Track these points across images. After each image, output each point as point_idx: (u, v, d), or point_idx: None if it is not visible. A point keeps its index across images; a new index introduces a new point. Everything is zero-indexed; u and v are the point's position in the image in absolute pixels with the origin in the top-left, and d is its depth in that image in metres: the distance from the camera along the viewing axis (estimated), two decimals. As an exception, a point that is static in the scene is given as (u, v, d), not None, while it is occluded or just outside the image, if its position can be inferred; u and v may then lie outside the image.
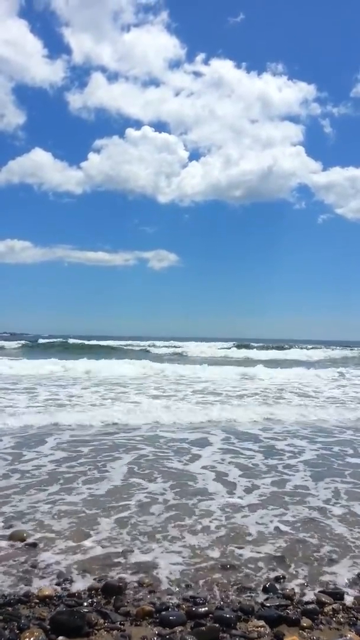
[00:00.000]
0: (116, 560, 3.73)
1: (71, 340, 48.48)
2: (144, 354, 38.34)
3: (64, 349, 40.01)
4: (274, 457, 7.03)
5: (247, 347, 50.63)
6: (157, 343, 52.74)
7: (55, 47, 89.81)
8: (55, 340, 51.58)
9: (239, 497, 5.30)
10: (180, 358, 36.53)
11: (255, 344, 55.98)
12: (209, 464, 6.59)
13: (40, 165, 79.37)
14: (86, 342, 46.51)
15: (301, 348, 51.34)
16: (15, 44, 74.65)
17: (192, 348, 47.37)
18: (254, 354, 40.93)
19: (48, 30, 78.43)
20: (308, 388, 16.00)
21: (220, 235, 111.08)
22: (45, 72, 73.51)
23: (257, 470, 6.34)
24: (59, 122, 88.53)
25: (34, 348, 42.35)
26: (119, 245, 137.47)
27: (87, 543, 4.03)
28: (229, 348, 47.53)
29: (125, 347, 44.80)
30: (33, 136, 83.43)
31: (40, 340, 51.08)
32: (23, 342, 48.00)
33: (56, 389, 14.17)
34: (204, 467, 6.40)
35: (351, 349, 50.46)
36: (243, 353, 40.88)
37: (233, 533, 4.32)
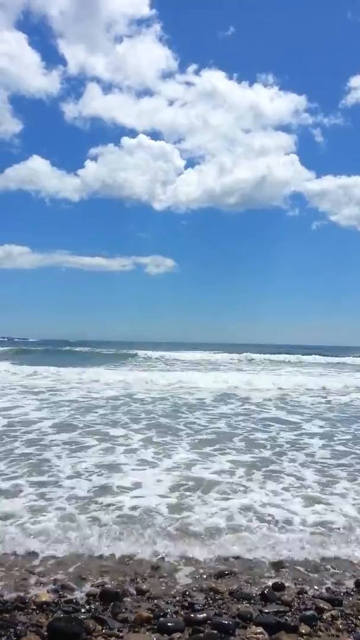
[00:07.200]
0: (114, 566, 3.71)
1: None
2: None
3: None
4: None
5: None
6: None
7: (51, 58, 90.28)
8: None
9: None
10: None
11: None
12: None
13: (38, 173, 79.67)
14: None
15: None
16: (12, 55, 75.07)
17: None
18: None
19: (44, 42, 79.35)
20: None
21: (215, 242, 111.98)
22: (41, 82, 74.15)
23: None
24: (55, 130, 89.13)
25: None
26: (116, 251, 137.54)
27: (85, 549, 4.01)
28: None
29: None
30: (30, 144, 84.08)
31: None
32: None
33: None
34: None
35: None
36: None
37: (233, 539, 4.29)
